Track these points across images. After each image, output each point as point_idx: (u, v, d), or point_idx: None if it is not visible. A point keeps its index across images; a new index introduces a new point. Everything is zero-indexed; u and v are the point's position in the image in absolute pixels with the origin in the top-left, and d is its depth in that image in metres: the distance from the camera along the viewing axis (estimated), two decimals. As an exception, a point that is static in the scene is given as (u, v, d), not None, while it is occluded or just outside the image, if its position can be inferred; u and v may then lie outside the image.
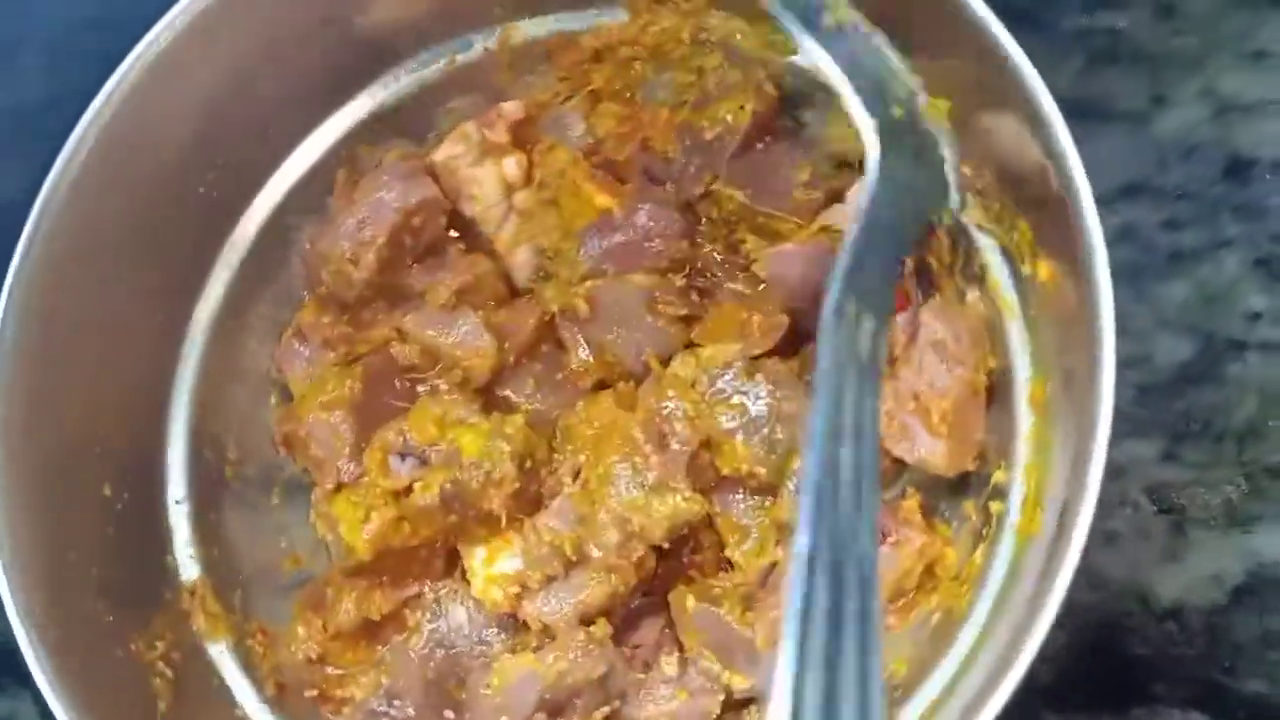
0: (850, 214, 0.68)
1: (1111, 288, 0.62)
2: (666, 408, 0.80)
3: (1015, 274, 0.76)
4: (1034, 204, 0.71)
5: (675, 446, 0.79)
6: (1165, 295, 0.91)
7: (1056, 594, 0.59)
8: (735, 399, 0.80)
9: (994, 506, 0.74)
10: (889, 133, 0.69)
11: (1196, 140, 0.94)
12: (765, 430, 0.79)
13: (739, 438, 0.79)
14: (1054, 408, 0.71)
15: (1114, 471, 0.88)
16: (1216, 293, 0.91)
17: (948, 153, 0.74)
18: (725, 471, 0.81)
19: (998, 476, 0.75)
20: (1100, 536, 0.87)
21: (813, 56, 0.69)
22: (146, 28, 0.78)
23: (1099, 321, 0.61)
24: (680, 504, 0.79)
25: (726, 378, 0.81)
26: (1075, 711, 0.86)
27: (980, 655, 0.69)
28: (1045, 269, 0.70)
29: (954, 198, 0.75)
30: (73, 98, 0.78)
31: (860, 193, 0.67)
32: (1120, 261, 0.92)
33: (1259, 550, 0.86)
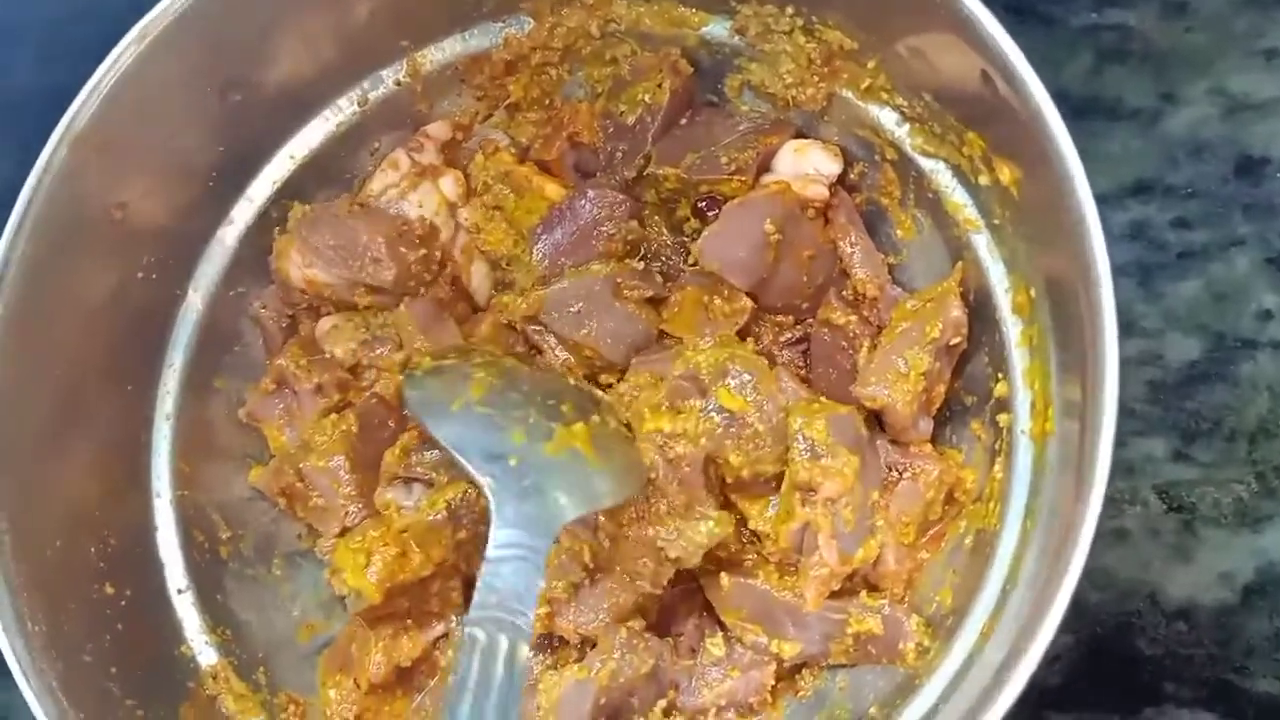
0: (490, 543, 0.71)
1: (1082, 167, 0.62)
2: (664, 430, 0.79)
3: (972, 189, 0.76)
4: (980, 111, 0.71)
5: (686, 469, 0.78)
6: (1176, 294, 0.91)
7: (1099, 480, 0.59)
8: (712, 412, 0.79)
9: (1002, 419, 0.75)
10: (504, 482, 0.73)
11: (1207, 138, 0.94)
12: (748, 431, 0.78)
13: (728, 446, 0.78)
14: (1039, 310, 0.71)
15: (1124, 470, 0.89)
16: (1227, 291, 0.91)
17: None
18: (731, 480, 0.80)
19: (999, 389, 0.75)
20: (1109, 535, 0.87)
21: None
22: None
23: (1076, 194, 0.62)
24: (712, 529, 0.78)
25: (701, 382, 0.80)
26: (1084, 711, 0.86)
27: (1021, 568, 0.69)
28: (1007, 171, 0.71)
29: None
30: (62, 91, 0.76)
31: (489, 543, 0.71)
32: (1130, 260, 0.94)
33: (1269, 549, 0.86)
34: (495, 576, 0.69)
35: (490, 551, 0.70)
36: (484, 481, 0.73)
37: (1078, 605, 0.67)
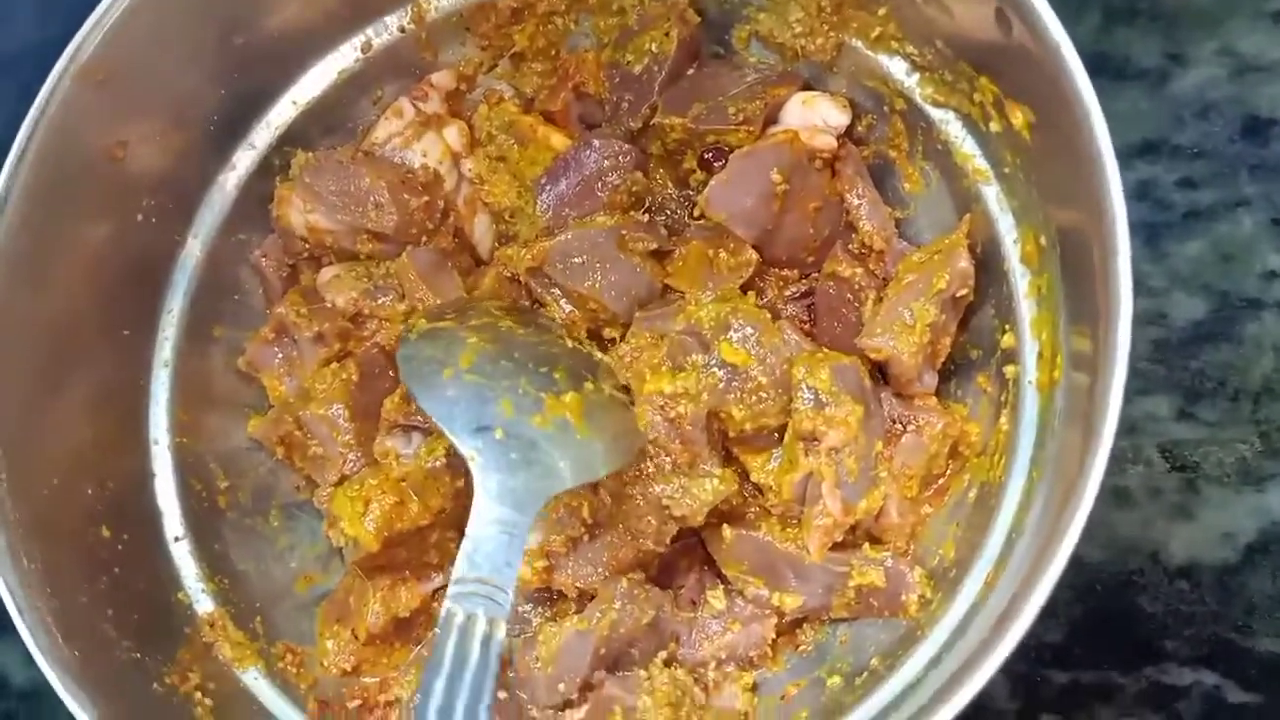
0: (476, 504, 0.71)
1: (1099, 105, 0.61)
2: (664, 392, 0.79)
3: (982, 138, 0.76)
4: (993, 55, 0.70)
5: (688, 428, 0.78)
6: (1181, 254, 0.91)
7: (1108, 431, 0.58)
8: (714, 367, 0.78)
9: (1009, 371, 0.74)
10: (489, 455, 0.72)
11: (1214, 99, 0.93)
12: (751, 384, 0.78)
13: (730, 399, 0.77)
14: (1049, 259, 0.71)
15: (1127, 428, 0.89)
16: (1233, 251, 0.90)
17: None
18: (733, 434, 0.80)
19: (1005, 341, 0.75)
20: (1111, 493, 0.87)
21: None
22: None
23: (1094, 132, 0.61)
24: (717, 486, 0.78)
25: (703, 337, 0.79)
26: (1084, 669, 0.86)
27: (1026, 519, 0.69)
28: (1019, 114, 0.70)
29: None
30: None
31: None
32: (1137, 220, 0.93)
33: (1272, 508, 0.86)
34: (476, 551, 0.69)
35: (471, 526, 0.70)
36: (468, 455, 0.72)
37: (1079, 563, 0.67)
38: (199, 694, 0.78)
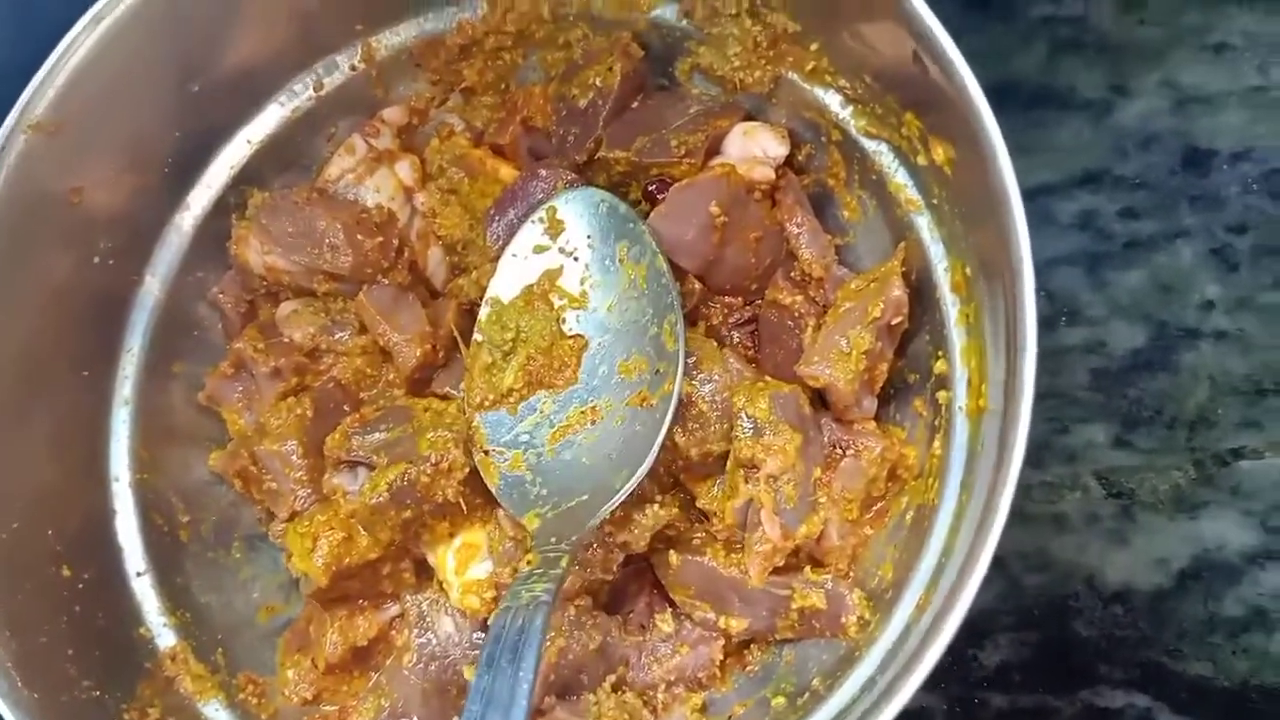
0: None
1: (1004, 143, 0.63)
2: None
3: (912, 170, 0.78)
4: (915, 93, 0.72)
5: None
6: (1121, 283, 0.92)
7: (1015, 459, 0.60)
8: None
9: (941, 396, 0.76)
10: None
11: (1156, 130, 0.95)
12: (693, 411, 0.79)
13: (675, 429, 0.79)
14: (976, 288, 0.73)
15: (1066, 456, 0.91)
16: (1172, 281, 0.92)
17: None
18: (680, 461, 0.81)
19: (938, 367, 0.77)
20: (1049, 520, 0.89)
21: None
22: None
23: (999, 168, 0.63)
24: (659, 512, 0.80)
25: None
26: (1021, 693, 0.87)
27: (956, 541, 0.70)
28: (940, 150, 0.72)
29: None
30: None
31: None
32: (1078, 249, 0.96)
33: (1204, 536, 0.88)
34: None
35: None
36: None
37: (1017, 587, 0.68)
38: (160, 730, 0.79)
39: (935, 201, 0.76)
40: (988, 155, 0.63)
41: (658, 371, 0.79)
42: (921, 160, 0.75)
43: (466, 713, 0.63)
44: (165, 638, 0.85)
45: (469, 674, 0.82)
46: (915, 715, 0.63)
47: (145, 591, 0.86)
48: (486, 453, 0.81)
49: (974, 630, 0.85)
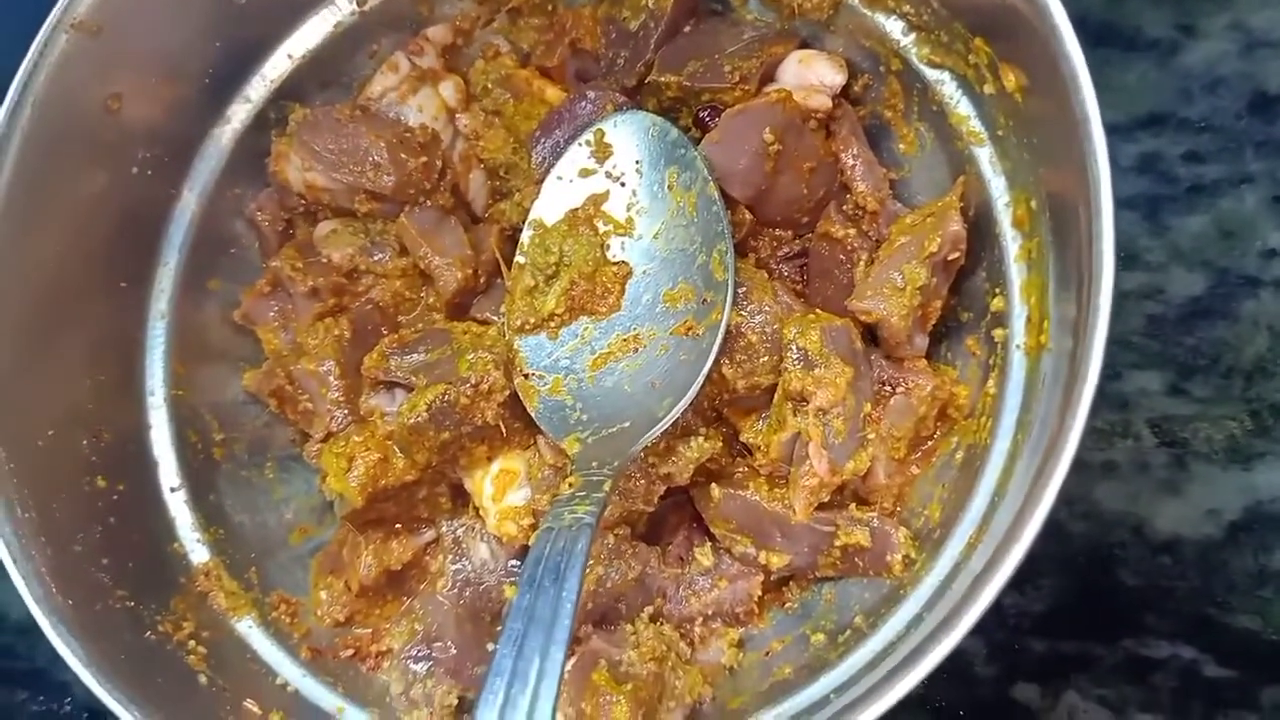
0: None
1: (1087, 69, 0.60)
2: None
3: (976, 100, 0.75)
4: (988, 17, 0.70)
5: None
6: (1182, 228, 0.90)
7: (1085, 398, 0.58)
8: None
9: (997, 334, 0.74)
10: None
11: (1223, 73, 0.92)
12: (742, 343, 0.78)
13: (722, 359, 0.78)
14: (1039, 223, 0.71)
15: (1118, 403, 0.89)
16: (1234, 228, 0.90)
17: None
18: (725, 394, 0.80)
19: (995, 304, 0.75)
20: (1098, 467, 0.87)
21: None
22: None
23: (1081, 96, 0.60)
24: (703, 444, 0.79)
25: None
26: (1064, 640, 0.86)
27: (1010, 482, 0.69)
28: (1012, 77, 0.69)
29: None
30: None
31: None
32: (1139, 192, 0.93)
33: (1258, 487, 0.86)
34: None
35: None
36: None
37: (1062, 534, 0.67)
38: (192, 642, 0.79)
39: (1000, 133, 0.74)
40: (1068, 81, 0.61)
41: (705, 301, 0.78)
42: (989, 89, 0.73)
43: (508, 630, 0.62)
44: (199, 553, 0.85)
45: (510, 592, 0.81)
46: (954, 658, 0.62)
47: (179, 507, 0.86)
48: (526, 376, 0.80)
49: (1016, 575, 0.84)
